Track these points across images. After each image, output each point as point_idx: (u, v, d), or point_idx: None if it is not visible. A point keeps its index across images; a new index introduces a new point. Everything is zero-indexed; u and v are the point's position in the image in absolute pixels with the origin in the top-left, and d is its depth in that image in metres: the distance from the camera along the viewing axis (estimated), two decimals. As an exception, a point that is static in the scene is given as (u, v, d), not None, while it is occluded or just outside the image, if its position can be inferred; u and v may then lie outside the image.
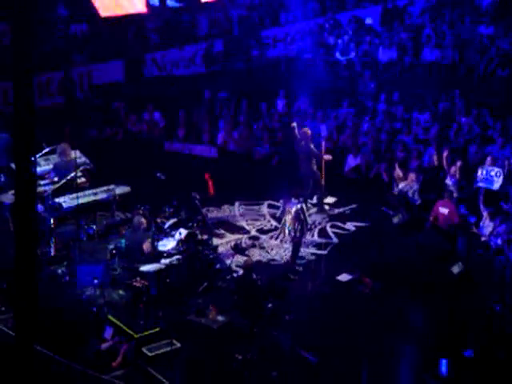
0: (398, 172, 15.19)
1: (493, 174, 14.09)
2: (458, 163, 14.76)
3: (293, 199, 13.08)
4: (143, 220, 12.49)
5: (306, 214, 13.34)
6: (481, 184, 14.15)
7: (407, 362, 10.49)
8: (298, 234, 13.00)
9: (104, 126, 18.87)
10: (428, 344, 10.80)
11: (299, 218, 12.93)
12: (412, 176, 14.92)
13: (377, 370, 10.24)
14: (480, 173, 14.27)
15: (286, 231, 13.29)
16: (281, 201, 14.96)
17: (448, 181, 14.75)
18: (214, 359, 10.38)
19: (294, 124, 15.62)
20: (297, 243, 13.14)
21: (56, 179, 13.55)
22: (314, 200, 15.42)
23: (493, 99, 17.89)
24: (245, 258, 12.56)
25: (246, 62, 22.18)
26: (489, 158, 14.85)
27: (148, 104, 19.14)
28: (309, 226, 13.82)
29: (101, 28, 21.38)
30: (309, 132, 15.40)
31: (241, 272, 12.16)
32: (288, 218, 13.10)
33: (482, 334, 10.83)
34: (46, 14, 20.52)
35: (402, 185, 15.03)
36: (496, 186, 14.02)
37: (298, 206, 12.99)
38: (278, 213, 13.72)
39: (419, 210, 14.52)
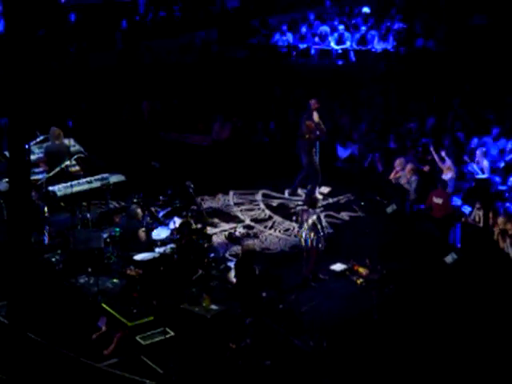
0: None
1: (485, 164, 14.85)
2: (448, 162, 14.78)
3: (310, 209, 12.64)
4: (139, 210, 12.48)
5: (323, 223, 12.93)
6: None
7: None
8: (314, 245, 12.43)
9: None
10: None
11: (316, 228, 12.43)
12: (409, 167, 14.88)
13: (373, 354, 10.27)
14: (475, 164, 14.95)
15: (303, 241, 12.57)
16: (298, 208, 14.54)
17: (444, 176, 14.73)
18: (207, 348, 10.38)
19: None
20: (313, 254, 12.48)
21: (41, 156, 13.51)
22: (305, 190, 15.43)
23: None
24: (239, 247, 12.50)
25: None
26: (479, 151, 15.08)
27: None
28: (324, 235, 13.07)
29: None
30: (317, 105, 15.26)
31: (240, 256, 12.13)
32: (305, 228, 12.48)
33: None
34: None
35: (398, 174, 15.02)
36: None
37: (314, 216, 12.48)
38: (297, 226, 12.93)
39: (413, 199, 14.52)
